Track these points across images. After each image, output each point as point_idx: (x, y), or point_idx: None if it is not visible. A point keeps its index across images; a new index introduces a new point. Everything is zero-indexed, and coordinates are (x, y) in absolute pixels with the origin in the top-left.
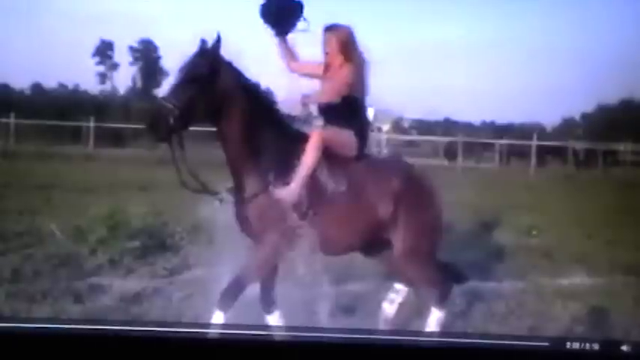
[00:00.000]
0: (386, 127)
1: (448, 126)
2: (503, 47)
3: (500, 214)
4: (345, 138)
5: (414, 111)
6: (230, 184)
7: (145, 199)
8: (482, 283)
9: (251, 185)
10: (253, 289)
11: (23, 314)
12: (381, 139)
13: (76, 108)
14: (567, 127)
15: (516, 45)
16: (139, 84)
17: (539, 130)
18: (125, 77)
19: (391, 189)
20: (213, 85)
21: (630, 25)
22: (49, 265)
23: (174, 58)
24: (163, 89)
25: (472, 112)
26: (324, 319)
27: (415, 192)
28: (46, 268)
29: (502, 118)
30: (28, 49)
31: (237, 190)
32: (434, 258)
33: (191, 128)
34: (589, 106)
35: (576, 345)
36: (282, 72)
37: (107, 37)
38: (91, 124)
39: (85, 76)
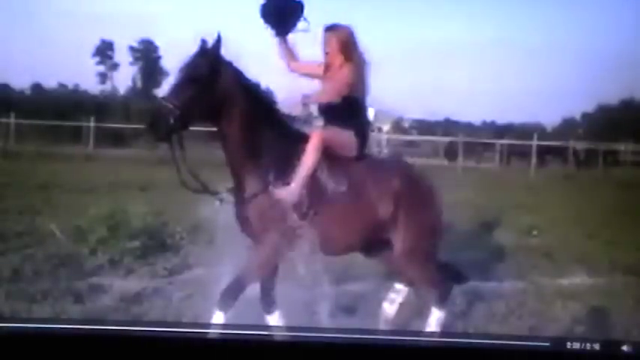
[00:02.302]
0: (386, 127)
1: (448, 126)
2: (503, 47)
3: (501, 214)
4: (345, 138)
5: (414, 111)
6: (230, 184)
7: (145, 199)
8: (482, 283)
9: (251, 185)
10: (253, 289)
11: (23, 314)
12: (381, 139)
13: (76, 108)
14: (568, 127)
15: (516, 45)
16: (139, 84)
17: (539, 130)
18: (125, 77)
19: (391, 189)
20: (214, 85)
21: (630, 25)
22: (49, 265)
23: (174, 58)
24: (163, 89)
25: (472, 112)
26: (324, 319)
27: (415, 192)
28: (46, 268)
29: (502, 118)
30: (28, 49)
31: (238, 190)
32: (434, 258)
33: (191, 128)
34: (589, 106)
35: (577, 345)
36: (282, 72)
37: (107, 37)
38: (91, 124)
39: (85, 76)
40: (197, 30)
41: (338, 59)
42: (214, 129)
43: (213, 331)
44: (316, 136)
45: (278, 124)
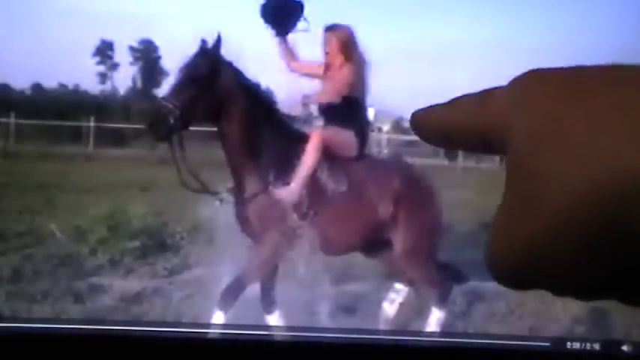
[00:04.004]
0: (386, 127)
1: None
2: (503, 47)
3: None
4: (345, 138)
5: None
6: (230, 184)
7: (145, 199)
8: (482, 283)
9: (251, 185)
10: (253, 289)
11: (23, 314)
12: (381, 139)
13: (76, 108)
14: None
15: (516, 45)
16: (139, 84)
17: None
18: (125, 77)
19: (391, 189)
20: (214, 85)
21: (630, 25)
22: (49, 265)
23: (174, 58)
24: (163, 89)
25: None
26: (324, 319)
27: (415, 192)
28: (46, 268)
29: None
30: (28, 49)
31: (238, 190)
32: (434, 258)
33: (191, 128)
34: None
35: (577, 345)
36: (282, 72)
37: (107, 37)
38: (91, 124)
39: (85, 76)
40: (197, 30)
41: (338, 59)
42: (214, 129)
43: (213, 331)
44: (316, 136)
45: (278, 124)
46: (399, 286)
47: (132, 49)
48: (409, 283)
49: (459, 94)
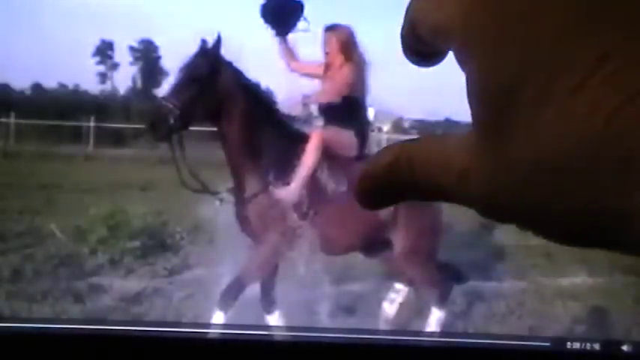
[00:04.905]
0: (386, 127)
1: (448, 126)
2: None
3: None
4: (345, 138)
5: (414, 111)
6: (230, 184)
7: (144, 199)
8: (482, 283)
9: (251, 185)
10: (253, 289)
11: (23, 314)
12: (381, 139)
13: (76, 108)
14: None
15: None
16: (139, 84)
17: None
18: (125, 77)
19: None
20: (214, 85)
21: None
22: (49, 265)
23: (174, 58)
24: (163, 89)
25: None
26: (324, 319)
27: None
28: (46, 268)
29: None
30: (28, 49)
31: (238, 190)
32: (434, 258)
33: (191, 128)
34: None
35: (577, 345)
36: (282, 72)
37: (107, 37)
38: (92, 124)
39: (85, 76)
40: (197, 30)
41: (338, 59)
42: (214, 129)
43: (213, 331)
44: (316, 136)
45: (278, 124)
46: (399, 286)
47: (132, 49)
48: (409, 283)
49: (458, 93)
